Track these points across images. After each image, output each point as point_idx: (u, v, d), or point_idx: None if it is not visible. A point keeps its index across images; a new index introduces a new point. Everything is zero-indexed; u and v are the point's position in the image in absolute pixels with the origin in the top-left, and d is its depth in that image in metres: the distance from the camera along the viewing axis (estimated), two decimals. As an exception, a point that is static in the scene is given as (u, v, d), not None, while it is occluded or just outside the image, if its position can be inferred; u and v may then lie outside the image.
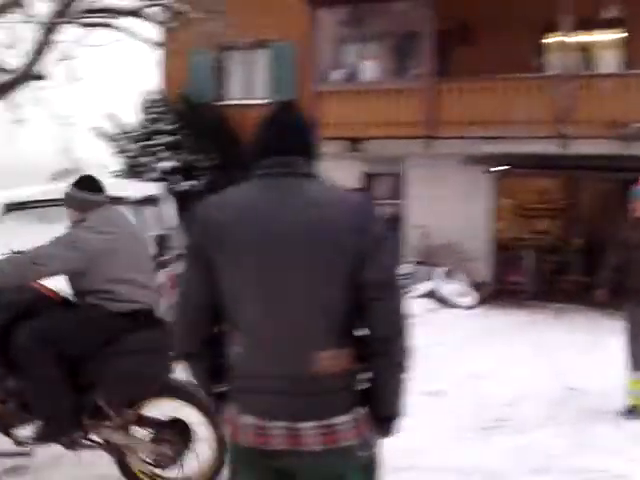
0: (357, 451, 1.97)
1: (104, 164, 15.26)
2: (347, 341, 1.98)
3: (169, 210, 8.33)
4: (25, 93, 9.70)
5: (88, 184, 4.00)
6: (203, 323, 2.07)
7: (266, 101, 14.69)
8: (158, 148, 14.19)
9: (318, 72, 13.12)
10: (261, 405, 1.96)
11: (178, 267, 8.06)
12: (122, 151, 14.77)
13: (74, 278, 3.81)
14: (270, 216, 1.94)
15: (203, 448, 3.97)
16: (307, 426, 1.92)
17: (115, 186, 8.40)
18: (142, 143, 14.43)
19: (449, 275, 11.89)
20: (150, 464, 3.96)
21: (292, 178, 2.01)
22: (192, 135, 14.29)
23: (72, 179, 4.25)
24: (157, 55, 14.97)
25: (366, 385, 2.02)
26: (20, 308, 3.79)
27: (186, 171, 13.96)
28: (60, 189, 7.69)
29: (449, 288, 11.64)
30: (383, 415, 2.06)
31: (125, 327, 3.73)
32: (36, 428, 3.83)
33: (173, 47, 12.66)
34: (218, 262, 1.97)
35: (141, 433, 3.98)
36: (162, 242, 7.10)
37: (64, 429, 3.78)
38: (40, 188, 8.21)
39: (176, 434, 3.91)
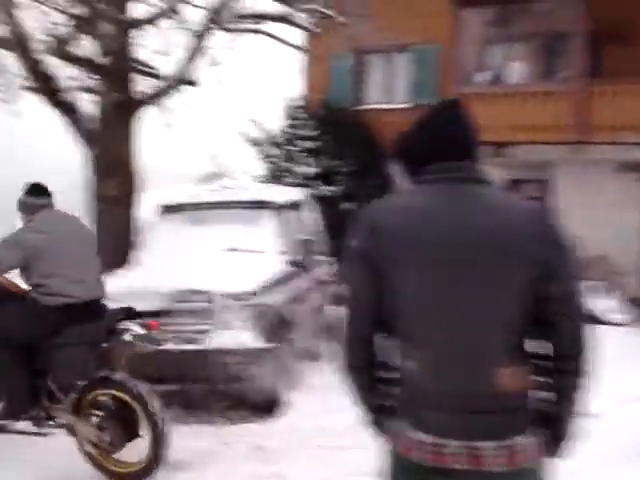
0: (531, 473, 1.89)
1: (248, 169, 15.69)
2: (525, 357, 1.89)
3: (312, 215, 8.40)
4: (175, 98, 10.09)
5: (36, 190, 4.54)
6: (371, 334, 1.99)
7: (406, 105, 14.57)
8: (299, 154, 14.39)
9: (462, 74, 12.83)
10: (437, 422, 1.87)
11: (320, 271, 8.12)
12: (265, 156, 15.10)
13: (23, 275, 4.37)
14: (445, 223, 1.84)
15: (143, 440, 4.36)
16: (487, 446, 1.83)
17: (261, 191, 8.60)
18: (284, 148, 14.69)
19: (600, 289, 11.24)
20: (95, 447, 4.42)
21: (466, 184, 1.91)
22: (332, 141, 14.39)
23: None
24: (301, 60, 15.20)
25: (540, 404, 1.93)
26: None
27: (326, 177, 14.08)
28: (210, 193, 7.99)
29: (600, 303, 10.97)
30: (557, 435, 1.97)
31: (60, 320, 4.24)
32: (0, 408, 4.44)
33: (317, 52, 12.82)
34: (388, 271, 1.88)
35: (93, 419, 4.45)
36: (305, 247, 7.14)
37: (24, 408, 4.39)
38: (191, 191, 8.51)
39: (117, 423, 4.35)
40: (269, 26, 10.30)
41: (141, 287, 6.00)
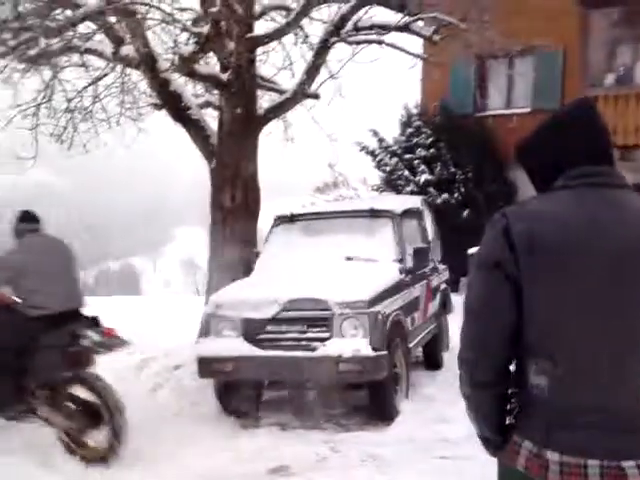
0: None
1: (364, 178, 15.75)
2: None
3: (427, 223, 8.32)
4: (296, 111, 10.24)
5: (26, 217, 5.28)
6: (503, 349, 1.88)
7: (529, 110, 14.18)
8: (415, 162, 14.30)
9: (590, 77, 12.32)
10: (570, 441, 1.77)
11: (435, 279, 8.04)
12: (381, 165, 15.09)
13: (14, 290, 5.05)
14: (589, 229, 1.77)
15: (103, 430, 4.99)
16: (631, 465, 1.73)
17: (375, 200, 8.63)
18: (400, 156, 14.64)
19: None
20: (66, 434, 5.07)
21: (608, 189, 1.84)
22: (449, 148, 14.20)
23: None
24: (418, 68, 15.06)
25: None
26: None
27: (441, 184, 13.91)
28: (325, 202, 8.08)
29: None
30: None
31: (39, 328, 4.91)
32: None
33: (436, 59, 12.72)
34: (523, 280, 1.79)
35: (65, 410, 5.06)
36: (420, 255, 7.07)
37: (11, 403, 5.07)
38: (305, 201, 8.64)
39: (83, 414, 5.01)
40: (389, 36, 10.26)
41: (257, 296, 6.17)
